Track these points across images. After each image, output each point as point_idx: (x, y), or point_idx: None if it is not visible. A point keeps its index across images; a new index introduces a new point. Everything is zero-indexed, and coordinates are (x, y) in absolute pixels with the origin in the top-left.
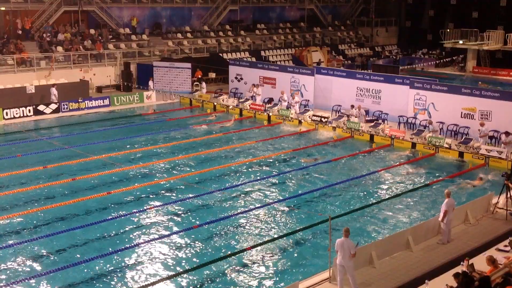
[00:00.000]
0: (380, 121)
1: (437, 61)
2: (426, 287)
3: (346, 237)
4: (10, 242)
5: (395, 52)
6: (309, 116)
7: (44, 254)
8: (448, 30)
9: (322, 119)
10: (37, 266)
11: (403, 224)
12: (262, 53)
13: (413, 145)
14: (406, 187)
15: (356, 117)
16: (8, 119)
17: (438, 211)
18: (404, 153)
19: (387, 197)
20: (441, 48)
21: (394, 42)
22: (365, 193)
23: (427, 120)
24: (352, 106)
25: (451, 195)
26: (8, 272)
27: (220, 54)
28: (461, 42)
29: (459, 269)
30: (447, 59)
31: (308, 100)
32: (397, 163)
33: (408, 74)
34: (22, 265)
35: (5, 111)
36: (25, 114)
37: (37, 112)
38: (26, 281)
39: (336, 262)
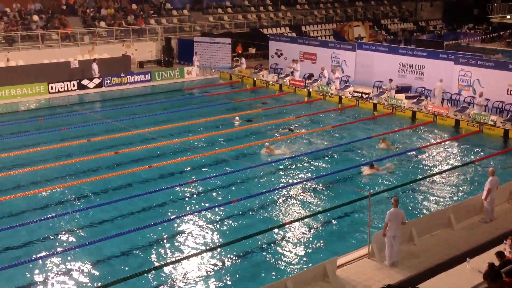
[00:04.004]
0: (422, 97)
1: (483, 36)
2: (467, 265)
3: (396, 207)
4: (53, 214)
5: (440, 27)
6: (349, 92)
7: (86, 225)
8: (496, 5)
9: (363, 95)
10: (78, 238)
11: (444, 202)
12: (303, 28)
13: (457, 122)
14: (448, 164)
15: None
16: (53, 93)
17: (481, 189)
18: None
19: (428, 174)
20: (487, 23)
21: (438, 16)
22: (406, 170)
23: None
24: (391, 80)
25: (495, 173)
26: (50, 242)
27: (261, 29)
28: (508, 16)
29: (501, 247)
30: (494, 34)
31: (349, 76)
32: (440, 140)
33: (452, 49)
34: (63, 236)
35: (50, 85)
36: (69, 89)
37: (80, 87)
38: (67, 251)
39: (387, 233)
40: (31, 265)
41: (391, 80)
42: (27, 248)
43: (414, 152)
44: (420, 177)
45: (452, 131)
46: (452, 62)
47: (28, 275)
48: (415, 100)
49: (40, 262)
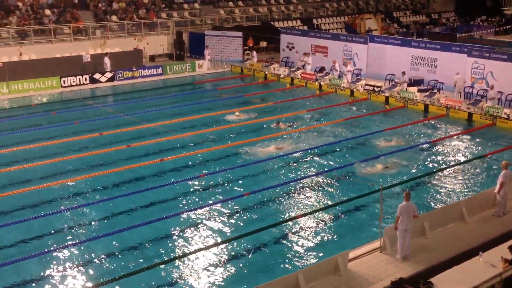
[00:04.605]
0: (435, 90)
1: (496, 29)
2: (480, 258)
3: (407, 201)
4: (66, 206)
5: (452, 19)
6: (361, 86)
7: (98, 219)
8: None
9: (375, 88)
10: (90, 231)
11: (457, 195)
12: (314, 21)
13: (470, 115)
14: (461, 157)
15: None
16: (65, 87)
17: (494, 183)
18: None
19: (441, 167)
20: (501, 15)
21: (451, 8)
22: (418, 163)
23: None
24: (404, 73)
25: (508, 166)
26: (62, 235)
27: (272, 23)
28: None
29: None
30: (507, 27)
31: (361, 69)
32: (453, 133)
33: (465, 42)
34: (75, 229)
35: (62, 79)
36: (81, 82)
37: (93, 80)
38: (79, 244)
39: (399, 227)
40: (43, 258)
41: (404, 73)
42: (40, 241)
43: (426, 145)
44: (433, 170)
45: (465, 124)
46: (465, 54)
47: (41, 267)
48: (427, 93)
49: (53, 254)
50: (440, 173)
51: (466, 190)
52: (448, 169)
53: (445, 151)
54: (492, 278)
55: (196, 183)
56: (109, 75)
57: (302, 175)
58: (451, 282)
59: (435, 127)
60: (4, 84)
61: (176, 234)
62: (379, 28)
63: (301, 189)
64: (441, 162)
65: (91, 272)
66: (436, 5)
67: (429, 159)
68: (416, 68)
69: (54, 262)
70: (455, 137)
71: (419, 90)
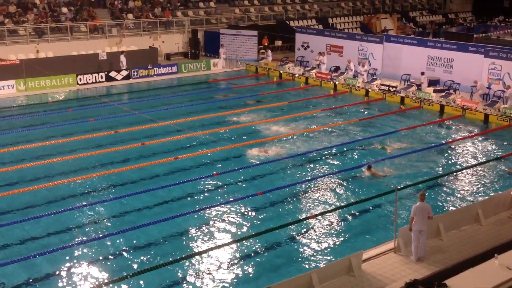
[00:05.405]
0: (451, 91)
1: None
2: (495, 261)
3: (422, 201)
4: (80, 204)
5: (469, 19)
6: (376, 85)
7: (111, 216)
8: None
9: (390, 88)
10: (103, 228)
11: (472, 197)
12: (330, 20)
13: (486, 116)
14: (477, 159)
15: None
16: (81, 84)
17: (510, 185)
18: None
19: (456, 169)
20: None
21: (468, 8)
22: (434, 164)
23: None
24: (423, 73)
25: None
26: (75, 232)
27: (287, 22)
28: None
29: None
30: None
31: (376, 69)
32: (469, 135)
33: (482, 42)
34: (89, 226)
35: (78, 77)
36: (97, 80)
37: (108, 78)
38: (91, 242)
39: (413, 228)
40: (57, 254)
41: (423, 73)
42: (54, 237)
43: (442, 146)
44: (448, 171)
45: (481, 126)
46: (482, 55)
47: (54, 264)
48: (443, 94)
49: (66, 251)
50: (455, 174)
51: (482, 192)
52: (464, 171)
53: (461, 152)
54: (507, 281)
55: (210, 181)
56: (124, 73)
57: (316, 175)
58: (466, 284)
59: (451, 128)
60: (21, 81)
61: (190, 232)
62: (395, 28)
63: (315, 189)
64: (456, 163)
65: (103, 268)
66: (453, 5)
67: (444, 160)
68: (432, 68)
69: (66, 259)
70: (471, 138)
71: (435, 91)
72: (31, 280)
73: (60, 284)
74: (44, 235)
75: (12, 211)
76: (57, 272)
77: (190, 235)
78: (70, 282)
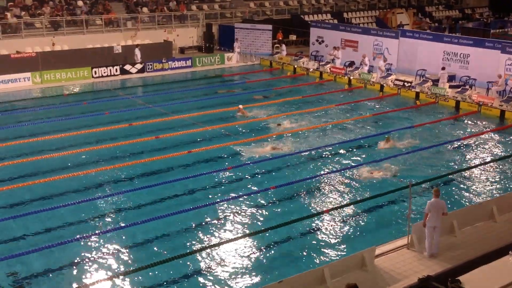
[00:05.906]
0: (467, 86)
1: None
2: (510, 258)
3: (436, 197)
4: (95, 195)
5: (486, 14)
6: (391, 81)
7: (126, 208)
8: None
9: (405, 83)
10: (117, 220)
11: (487, 194)
12: (345, 15)
13: (502, 112)
14: (492, 155)
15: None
16: (96, 77)
17: None
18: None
19: (471, 165)
20: None
21: (485, 4)
22: (448, 160)
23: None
24: (443, 68)
25: None
26: (90, 224)
27: (302, 16)
28: None
29: None
30: None
31: (391, 64)
32: (484, 131)
33: (499, 38)
34: (103, 218)
35: (93, 69)
36: (112, 73)
37: (123, 72)
38: (107, 233)
39: (427, 224)
40: (72, 245)
41: (443, 68)
42: (69, 229)
43: (457, 142)
44: (463, 167)
45: (497, 122)
46: (499, 51)
47: (69, 255)
48: (459, 89)
49: (81, 243)
50: (470, 170)
51: (497, 188)
52: (479, 167)
53: (476, 148)
54: None
55: (223, 175)
56: (139, 66)
57: (330, 170)
58: (480, 281)
59: (467, 124)
60: (37, 74)
61: (203, 225)
62: (410, 22)
63: (328, 183)
64: (472, 159)
65: (117, 260)
66: (469, 0)
67: (459, 157)
68: (448, 63)
69: (80, 250)
70: (486, 134)
71: (450, 86)
72: (47, 270)
73: (75, 274)
74: (59, 225)
75: (27, 202)
76: (75, 262)
77: (203, 229)
78: (90, 272)
